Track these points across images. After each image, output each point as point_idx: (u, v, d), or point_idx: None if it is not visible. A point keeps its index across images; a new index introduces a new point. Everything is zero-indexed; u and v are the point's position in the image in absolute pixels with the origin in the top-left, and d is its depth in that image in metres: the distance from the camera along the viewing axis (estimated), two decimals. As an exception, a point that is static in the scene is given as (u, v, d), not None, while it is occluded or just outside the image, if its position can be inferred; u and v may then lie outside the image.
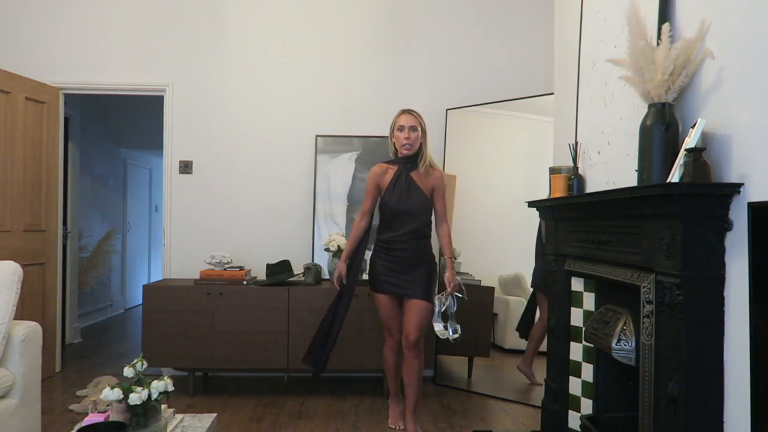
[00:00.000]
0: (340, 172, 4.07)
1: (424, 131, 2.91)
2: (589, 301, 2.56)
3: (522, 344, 4.15)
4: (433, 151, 4.10)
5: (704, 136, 1.73)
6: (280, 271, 3.71)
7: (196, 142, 4.12)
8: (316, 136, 4.11)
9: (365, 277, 3.38)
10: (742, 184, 1.60)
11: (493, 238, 3.84)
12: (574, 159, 2.70)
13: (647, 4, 2.08)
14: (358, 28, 4.18)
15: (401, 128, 2.87)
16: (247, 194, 4.13)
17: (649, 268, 1.84)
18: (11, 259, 2.83)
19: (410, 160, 2.90)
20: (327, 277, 3.95)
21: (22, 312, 3.48)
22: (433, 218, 2.99)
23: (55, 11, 4.11)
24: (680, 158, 1.71)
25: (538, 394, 3.47)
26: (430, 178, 2.90)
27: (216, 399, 3.60)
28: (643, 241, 1.89)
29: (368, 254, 3.52)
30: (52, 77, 4.07)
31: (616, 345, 2.07)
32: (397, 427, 3.05)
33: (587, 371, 2.56)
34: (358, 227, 3.02)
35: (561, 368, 2.70)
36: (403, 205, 2.85)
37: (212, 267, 3.78)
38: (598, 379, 2.49)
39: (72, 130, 5.01)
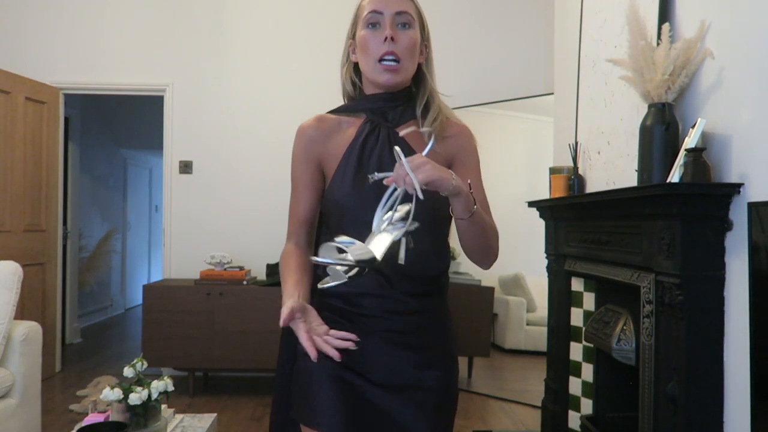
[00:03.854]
0: (340, 172, 4.06)
1: (423, 28, 1.24)
2: (589, 301, 2.56)
3: (522, 344, 4.16)
4: (433, 151, 4.11)
5: (704, 136, 1.73)
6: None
7: (196, 142, 4.12)
8: (316, 136, 4.11)
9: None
10: (742, 184, 1.60)
11: (493, 238, 3.84)
12: (574, 159, 2.70)
13: (647, 4, 2.08)
14: (358, 28, 4.18)
15: (373, 23, 1.19)
16: (247, 194, 4.13)
17: (649, 268, 1.84)
18: (11, 259, 2.83)
19: (395, 101, 1.23)
20: (327, 277, 3.96)
21: (22, 312, 3.48)
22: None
23: (55, 11, 4.11)
24: (680, 158, 1.71)
25: (538, 394, 3.47)
26: (448, 142, 1.23)
27: (216, 399, 3.60)
28: (643, 241, 1.89)
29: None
30: (52, 77, 4.07)
31: (616, 345, 2.07)
32: None
33: (587, 371, 2.56)
34: (287, 256, 1.22)
35: (561, 368, 2.70)
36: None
37: (212, 267, 3.78)
38: (598, 379, 2.49)
39: (72, 130, 5.01)
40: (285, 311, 0.96)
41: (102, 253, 6.08)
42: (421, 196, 0.93)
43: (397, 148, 0.96)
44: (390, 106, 1.23)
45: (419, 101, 1.24)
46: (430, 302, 1.19)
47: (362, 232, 1.01)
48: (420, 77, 1.27)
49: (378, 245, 0.97)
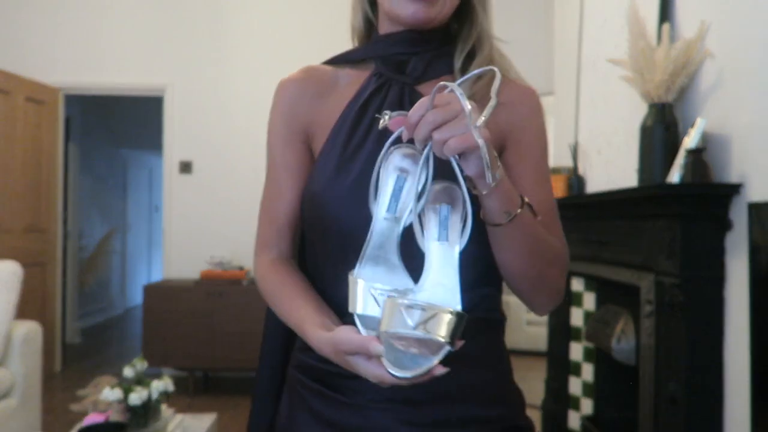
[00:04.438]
0: (340, 172, 4.06)
1: None
2: (589, 301, 2.56)
3: (522, 344, 4.16)
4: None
5: (704, 136, 1.73)
6: (280, 271, 3.71)
7: (196, 142, 4.12)
8: (316, 136, 4.11)
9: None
10: (742, 184, 1.60)
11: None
12: (574, 159, 2.70)
13: (647, 4, 2.08)
14: (358, 28, 4.18)
15: None
16: (247, 194, 4.12)
17: (649, 268, 1.84)
18: (11, 259, 2.83)
19: (420, 45, 0.79)
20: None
21: (22, 312, 3.47)
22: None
23: (55, 11, 4.11)
24: (680, 158, 1.71)
25: (538, 394, 3.47)
26: (503, 111, 0.76)
27: (216, 399, 3.60)
28: (643, 241, 1.89)
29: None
30: (52, 77, 4.07)
31: (616, 345, 2.07)
32: None
33: (587, 371, 2.56)
34: (272, 275, 0.84)
35: (561, 368, 2.70)
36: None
37: (212, 267, 3.78)
38: (598, 379, 2.49)
39: (72, 130, 5.01)
40: (358, 339, 0.58)
41: (102, 253, 6.09)
42: (490, 180, 0.56)
43: (452, 84, 0.57)
44: (411, 52, 0.78)
45: (461, 47, 0.80)
46: (462, 350, 0.59)
47: (350, 251, 0.65)
48: (466, 13, 0.80)
49: (443, 280, 0.59)
